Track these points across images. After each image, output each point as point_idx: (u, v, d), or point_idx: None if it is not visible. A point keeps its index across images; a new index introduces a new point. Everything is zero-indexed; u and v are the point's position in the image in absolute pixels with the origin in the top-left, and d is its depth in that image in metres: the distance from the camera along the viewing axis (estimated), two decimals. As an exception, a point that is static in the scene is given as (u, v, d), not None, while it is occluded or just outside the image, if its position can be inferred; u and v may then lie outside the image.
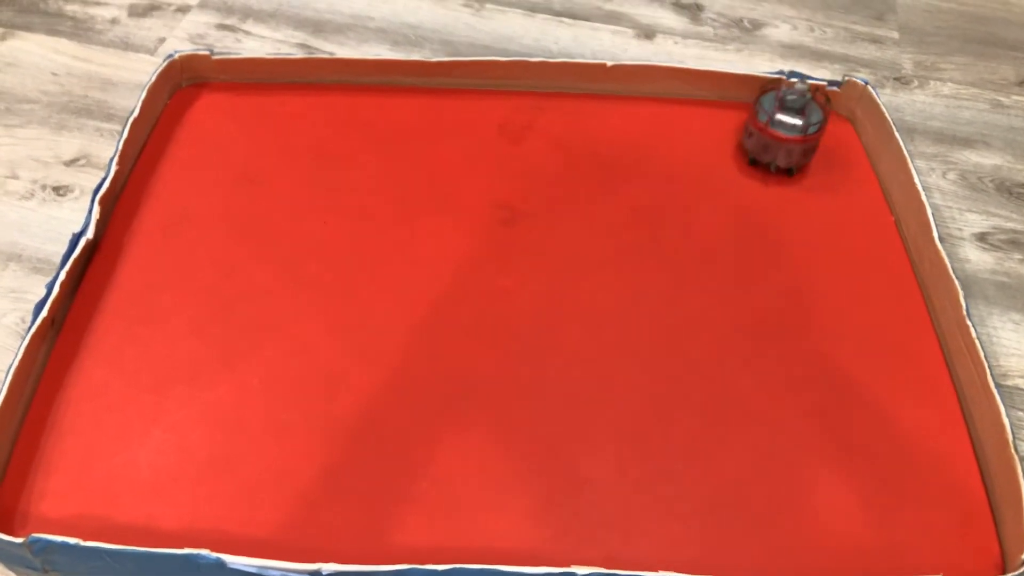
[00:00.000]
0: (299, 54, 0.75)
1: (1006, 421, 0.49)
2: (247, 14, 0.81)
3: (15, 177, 0.65)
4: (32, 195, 0.64)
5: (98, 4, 0.81)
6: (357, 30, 0.81)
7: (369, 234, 0.61)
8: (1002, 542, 0.48)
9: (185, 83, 0.70)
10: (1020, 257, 0.66)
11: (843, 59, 0.82)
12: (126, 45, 0.77)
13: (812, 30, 0.85)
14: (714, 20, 0.86)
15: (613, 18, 0.85)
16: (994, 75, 0.82)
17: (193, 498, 0.47)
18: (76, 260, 0.55)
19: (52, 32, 0.78)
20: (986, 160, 0.73)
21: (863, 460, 0.51)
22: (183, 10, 0.81)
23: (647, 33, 0.83)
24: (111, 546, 0.41)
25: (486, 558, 0.42)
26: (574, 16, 0.85)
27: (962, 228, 0.67)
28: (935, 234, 0.59)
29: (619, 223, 0.63)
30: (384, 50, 0.79)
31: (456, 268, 0.59)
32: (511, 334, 0.56)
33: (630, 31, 0.83)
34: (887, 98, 0.77)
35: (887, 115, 0.67)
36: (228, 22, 0.80)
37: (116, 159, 0.60)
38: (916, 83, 0.80)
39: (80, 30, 0.78)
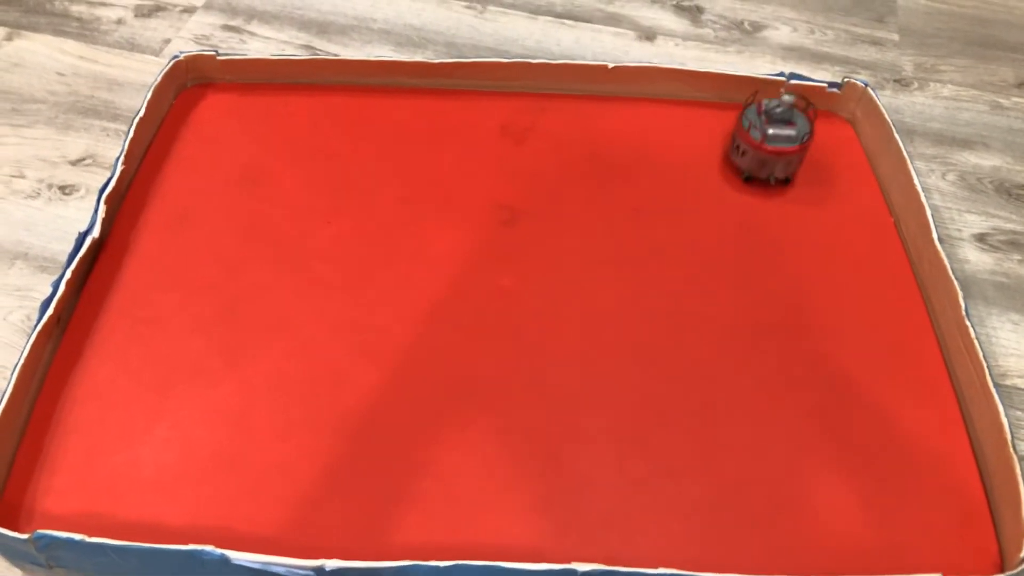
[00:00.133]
0: (303, 55, 0.75)
1: (1005, 421, 0.49)
2: (252, 15, 0.82)
3: (22, 176, 0.66)
4: (38, 194, 0.65)
5: (104, 5, 0.82)
6: (361, 31, 0.81)
7: (372, 234, 0.61)
8: (1001, 541, 0.48)
9: (190, 83, 0.71)
10: (1019, 258, 0.66)
11: (843, 61, 0.82)
12: (132, 46, 0.78)
13: (812, 32, 0.86)
14: (714, 22, 0.86)
15: (614, 20, 0.85)
16: (994, 77, 0.82)
17: (197, 495, 0.47)
18: (82, 259, 0.55)
19: (58, 32, 0.78)
20: (985, 161, 0.73)
21: (863, 460, 0.51)
22: (188, 11, 0.82)
23: (648, 35, 0.84)
24: (115, 542, 0.41)
25: (488, 555, 0.42)
26: (576, 18, 0.85)
27: (961, 229, 0.68)
28: (934, 235, 0.59)
29: (620, 223, 0.63)
30: (387, 51, 0.79)
31: (458, 267, 0.59)
32: (512, 333, 0.56)
33: (631, 33, 0.84)
34: (887, 100, 0.78)
35: (887, 117, 0.67)
36: (233, 23, 0.81)
37: (122, 159, 0.60)
38: (916, 85, 0.80)
39: (86, 31, 0.79)
